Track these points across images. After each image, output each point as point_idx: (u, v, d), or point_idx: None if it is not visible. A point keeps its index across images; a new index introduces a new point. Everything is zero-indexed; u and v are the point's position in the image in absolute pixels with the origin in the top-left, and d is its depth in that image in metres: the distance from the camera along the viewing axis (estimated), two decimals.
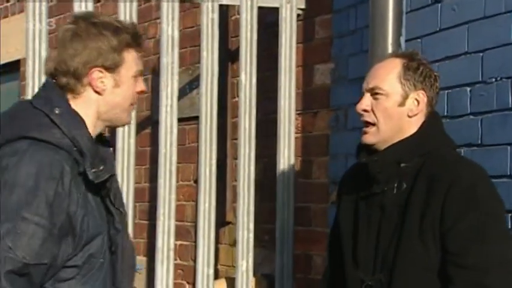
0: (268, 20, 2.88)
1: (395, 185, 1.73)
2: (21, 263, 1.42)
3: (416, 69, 1.76)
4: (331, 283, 1.86)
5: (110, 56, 1.51)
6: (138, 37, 1.55)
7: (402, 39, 2.29)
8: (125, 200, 2.59)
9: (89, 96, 1.53)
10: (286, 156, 2.74)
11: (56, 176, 1.45)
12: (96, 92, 1.53)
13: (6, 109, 1.57)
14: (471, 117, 2.11)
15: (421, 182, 1.71)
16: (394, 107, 1.75)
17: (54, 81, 1.54)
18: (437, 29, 2.24)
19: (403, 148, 1.74)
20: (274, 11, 2.79)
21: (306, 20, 2.83)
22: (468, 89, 2.12)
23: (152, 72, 3.52)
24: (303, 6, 2.82)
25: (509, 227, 1.92)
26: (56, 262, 1.46)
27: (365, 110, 1.76)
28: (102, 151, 1.55)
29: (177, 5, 2.64)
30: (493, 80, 2.05)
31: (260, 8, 2.74)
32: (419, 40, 2.29)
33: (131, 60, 1.54)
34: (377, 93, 1.76)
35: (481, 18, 2.10)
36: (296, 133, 2.78)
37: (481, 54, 2.09)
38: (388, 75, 1.76)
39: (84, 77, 1.52)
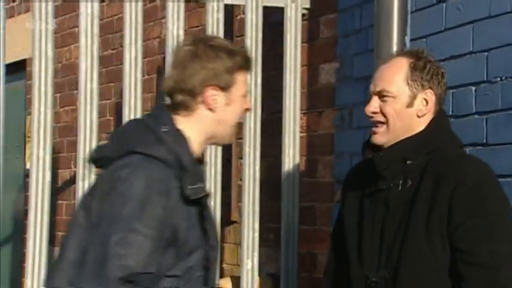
0: (273, 19, 2.88)
1: (401, 181, 1.74)
2: (131, 270, 1.52)
3: (423, 68, 1.76)
4: (335, 280, 1.86)
5: (224, 76, 1.63)
6: (248, 60, 1.68)
7: (407, 39, 2.29)
8: None
9: (201, 113, 1.64)
10: (291, 156, 2.74)
11: (165, 190, 1.56)
12: (209, 109, 1.64)
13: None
14: (476, 116, 2.11)
15: (428, 179, 1.71)
16: (402, 108, 1.75)
17: (164, 102, 1.66)
18: (442, 29, 2.24)
19: (409, 145, 1.75)
20: (279, 11, 2.79)
21: (310, 19, 2.83)
22: (473, 88, 2.12)
23: (157, 72, 3.53)
24: (307, 6, 2.82)
25: None
26: (160, 271, 1.56)
27: (374, 112, 1.78)
28: (199, 169, 1.66)
29: (182, 4, 2.64)
30: (498, 79, 2.05)
31: (265, 8, 2.74)
32: (424, 40, 2.29)
33: (241, 81, 1.66)
34: (385, 96, 1.76)
35: (485, 17, 2.10)
36: (301, 132, 2.79)
37: (486, 53, 2.09)
38: (395, 77, 1.76)
39: (199, 95, 1.63)
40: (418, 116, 1.76)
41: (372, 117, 1.78)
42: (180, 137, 1.61)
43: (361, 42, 2.61)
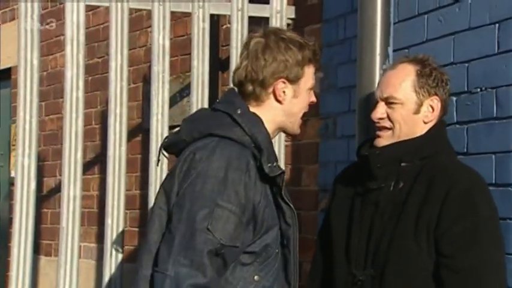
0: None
1: (393, 183, 1.76)
2: (219, 244, 1.57)
3: (430, 75, 1.79)
4: (321, 280, 1.87)
5: (294, 69, 1.66)
6: (317, 54, 1.71)
7: (390, 50, 2.32)
8: (115, 208, 2.62)
9: (270, 104, 1.67)
10: None
11: (244, 168, 1.59)
12: (277, 101, 1.67)
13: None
14: (457, 126, 2.14)
15: (421, 183, 1.73)
16: (409, 115, 1.78)
17: (235, 88, 1.68)
18: (424, 40, 2.28)
19: (406, 148, 1.77)
20: (265, 21, 2.82)
21: (295, 29, 2.86)
22: (454, 98, 2.16)
23: (143, 81, 3.53)
24: (292, 16, 2.85)
25: None
26: (242, 246, 1.59)
27: (381, 118, 1.80)
28: (273, 149, 1.66)
29: (168, 13, 2.66)
30: (478, 90, 2.08)
31: (250, 18, 2.77)
32: (406, 50, 2.33)
33: (309, 74, 1.69)
34: (392, 103, 1.79)
35: (466, 29, 2.14)
36: (286, 141, 2.81)
37: (467, 64, 2.13)
38: (402, 84, 1.79)
39: (269, 86, 1.67)
40: (425, 122, 1.79)
41: (378, 123, 1.80)
42: (254, 119, 1.64)
43: (345, 52, 2.64)
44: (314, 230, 2.71)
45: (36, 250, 4.09)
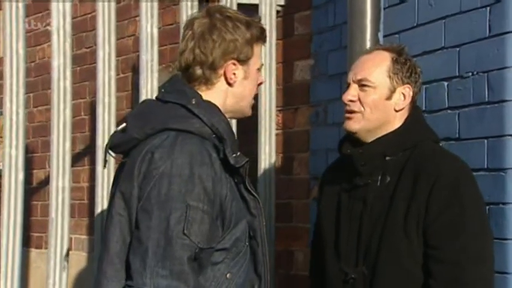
0: (247, 16, 2.88)
1: (379, 178, 1.74)
2: (197, 248, 1.46)
3: (404, 64, 1.78)
4: (318, 278, 1.86)
5: (244, 49, 1.56)
6: (264, 32, 1.60)
7: (380, 35, 2.31)
8: (106, 198, 2.59)
9: (220, 88, 1.57)
10: (267, 153, 2.74)
11: (208, 162, 1.48)
12: (228, 84, 1.57)
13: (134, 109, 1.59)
14: (449, 111, 2.13)
15: (406, 176, 1.72)
16: (381, 100, 1.76)
17: (181, 74, 1.56)
18: (415, 25, 2.26)
19: (388, 141, 1.76)
20: (254, 8, 2.79)
21: (285, 16, 2.84)
22: (445, 83, 2.14)
23: (132, 70, 3.50)
24: (282, 3, 2.82)
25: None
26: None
27: (351, 101, 1.77)
28: (235, 137, 1.59)
29: (156, 2, 2.63)
30: (470, 74, 2.07)
31: (239, 5, 2.74)
32: (397, 36, 2.31)
33: (258, 53, 1.60)
34: (365, 85, 1.77)
35: (457, 13, 2.12)
36: (277, 129, 2.79)
37: (458, 49, 2.11)
38: (377, 68, 1.77)
39: (220, 68, 1.56)
40: (395, 110, 1.77)
41: (348, 105, 1.77)
42: (212, 108, 1.53)
43: (336, 39, 2.62)
44: (305, 219, 2.70)
45: (27, 243, 4.06)
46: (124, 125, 1.56)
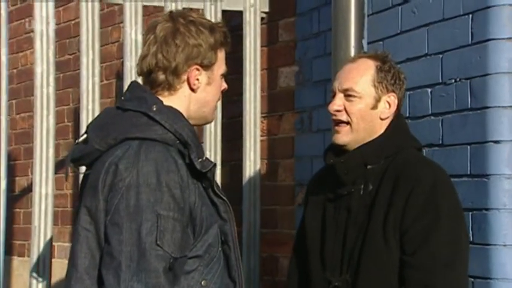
0: (232, 23, 2.88)
1: (362, 186, 1.75)
2: (172, 258, 1.42)
3: (388, 72, 1.79)
4: (299, 285, 1.86)
5: (208, 54, 1.53)
6: (227, 37, 1.57)
7: (364, 42, 2.32)
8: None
9: (184, 93, 1.53)
10: (252, 159, 2.74)
11: (174, 169, 1.45)
12: (191, 89, 1.53)
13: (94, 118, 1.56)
14: (432, 117, 2.15)
15: (386, 183, 1.73)
16: (367, 109, 1.77)
17: (138, 81, 1.53)
18: (399, 31, 2.28)
19: (369, 150, 1.76)
20: (238, 15, 2.79)
21: (269, 23, 2.85)
22: (429, 90, 2.16)
23: (116, 77, 3.49)
24: (266, 10, 2.83)
25: (470, 226, 1.96)
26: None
27: (338, 111, 1.78)
28: (199, 142, 1.56)
29: (140, 8, 2.62)
30: (453, 81, 2.09)
31: (224, 12, 2.74)
32: (381, 42, 2.32)
33: (222, 59, 1.57)
34: (350, 95, 1.77)
35: (440, 20, 2.14)
36: (261, 136, 2.79)
37: (441, 55, 2.13)
38: (362, 78, 1.78)
39: (183, 74, 1.52)
40: (381, 119, 1.78)
41: (334, 115, 1.78)
42: (174, 113, 1.50)
43: (320, 46, 2.63)
44: (290, 225, 2.70)
45: (9, 251, 4.01)
46: (85, 136, 1.53)
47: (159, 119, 1.49)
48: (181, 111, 1.52)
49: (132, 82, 1.58)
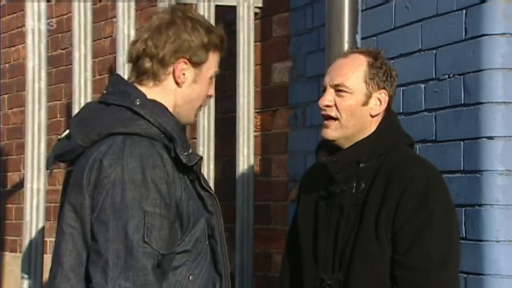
0: (225, 18, 2.87)
1: (354, 184, 1.74)
2: (160, 255, 1.41)
3: (380, 68, 1.78)
4: (292, 283, 1.86)
5: (198, 51, 1.51)
6: (224, 41, 1.56)
7: (358, 37, 2.31)
8: None
9: (168, 86, 1.51)
10: (245, 155, 2.74)
11: (159, 164, 1.43)
12: (176, 83, 1.51)
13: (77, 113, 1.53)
14: (426, 113, 2.14)
15: (379, 182, 1.73)
16: (357, 106, 1.76)
17: (131, 67, 1.50)
18: (392, 27, 2.27)
19: (361, 148, 1.75)
20: (232, 10, 2.78)
21: (263, 18, 2.84)
22: (422, 85, 2.16)
23: (108, 72, 3.47)
24: (260, 5, 2.82)
25: (463, 222, 1.96)
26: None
27: (328, 106, 1.76)
28: (185, 135, 1.54)
29: (133, 3, 2.61)
30: (446, 76, 2.09)
31: (217, 7, 2.73)
32: (374, 38, 2.32)
33: (213, 61, 1.55)
34: (341, 90, 1.76)
35: (433, 16, 2.13)
36: (255, 131, 2.79)
37: (434, 51, 2.13)
38: (354, 74, 1.76)
39: (169, 65, 1.50)
40: (371, 116, 1.77)
41: (324, 110, 1.77)
42: (158, 107, 1.47)
43: (314, 41, 2.62)
44: (284, 221, 2.70)
45: (1, 246, 4.00)
46: (67, 131, 1.50)
47: (143, 113, 1.47)
48: (166, 105, 1.50)
49: (114, 75, 1.56)
